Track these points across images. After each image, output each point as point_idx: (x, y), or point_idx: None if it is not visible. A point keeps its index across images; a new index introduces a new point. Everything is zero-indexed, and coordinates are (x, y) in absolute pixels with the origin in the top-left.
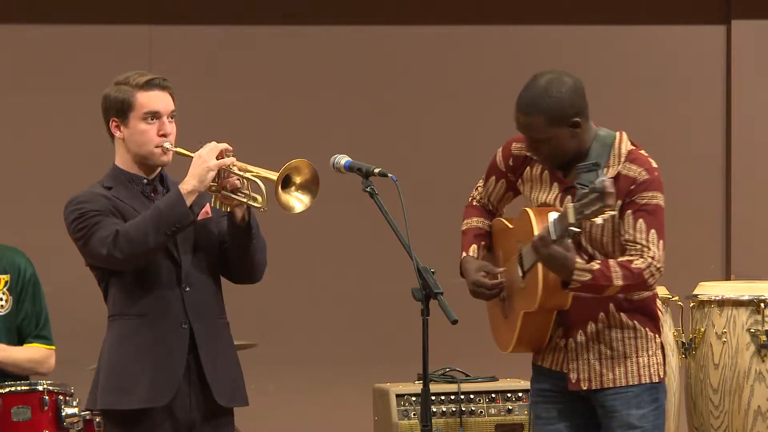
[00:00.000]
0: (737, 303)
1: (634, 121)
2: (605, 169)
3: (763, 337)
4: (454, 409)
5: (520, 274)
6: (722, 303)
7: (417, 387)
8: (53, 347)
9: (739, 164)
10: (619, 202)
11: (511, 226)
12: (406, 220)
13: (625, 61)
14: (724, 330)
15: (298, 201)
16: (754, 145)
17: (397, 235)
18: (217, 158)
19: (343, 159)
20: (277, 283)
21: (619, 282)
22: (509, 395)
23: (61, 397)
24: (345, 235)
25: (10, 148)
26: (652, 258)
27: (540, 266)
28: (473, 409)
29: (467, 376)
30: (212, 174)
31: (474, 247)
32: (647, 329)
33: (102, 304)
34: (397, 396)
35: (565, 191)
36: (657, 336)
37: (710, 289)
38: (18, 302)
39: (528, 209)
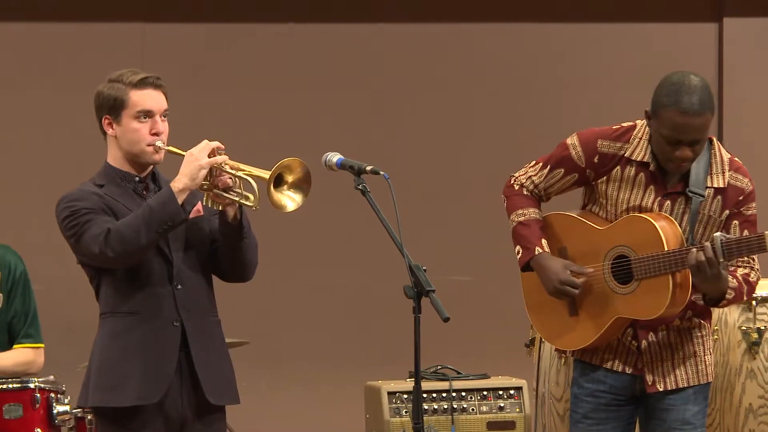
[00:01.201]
0: None
1: (626, 119)
2: (710, 177)
3: (755, 335)
4: (445, 407)
5: (614, 277)
6: None
7: (409, 384)
8: (41, 345)
9: None
10: (726, 212)
11: (599, 227)
12: (398, 218)
13: (617, 58)
14: (716, 327)
15: (290, 200)
16: (746, 142)
17: (389, 233)
18: (209, 156)
19: (335, 157)
20: (269, 282)
21: (745, 297)
22: (501, 393)
23: (53, 395)
24: (337, 232)
25: (0, 146)
26: (758, 270)
27: (670, 280)
28: (465, 406)
29: (459, 373)
30: (204, 172)
31: (545, 242)
32: (708, 327)
33: (93, 303)
34: (389, 393)
35: (665, 197)
36: (712, 333)
37: None
38: (8, 300)
39: (648, 219)
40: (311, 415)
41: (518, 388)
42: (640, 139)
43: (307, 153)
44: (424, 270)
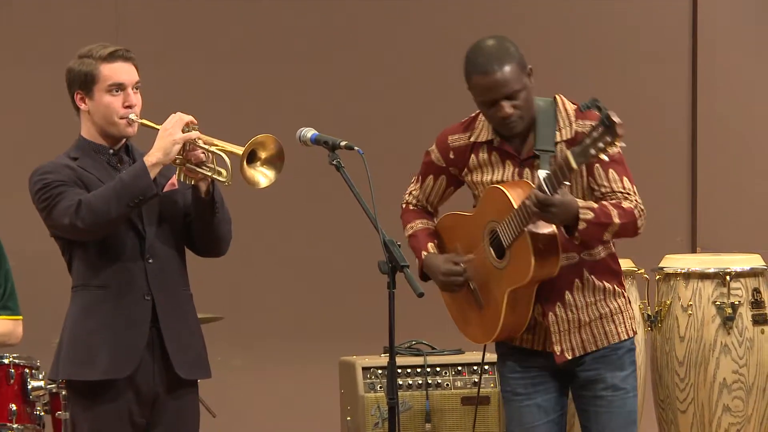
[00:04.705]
0: (703, 276)
1: (600, 94)
2: (558, 132)
3: (729, 310)
4: (420, 382)
5: (494, 254)
6: (688, 276)
7: (383, 360)
8: (20, 317)
9: (705, 137)
10: None
11: (470, 214)
12: (372, 194)
13: (590, 32)
14: (690, 303)
15: (263, 176)
16: (720, 118)
17: (363, 208)
18: (183, 131)
19: (309, 132)
20: (243, 257)
21: (617, 220)
22: (475, 368)
23: (27, 370)
24: (311, 208)
25: None
26: (637, 200)
27: (528, 235)
28: (439, 381)
29: (433, 349)
30: (177, 147)
31: (431, 245)
32: (615, 285)
33: (67, 279)
34: (364, 369)
35: (521, 164)
36: (624, 291)
37: (676, 262)
38: None
39: (497, 186)
40: (286, 391)
41: (493, 364)
42: (483, 121)
43: (282, 128)
44: (399, 245)
